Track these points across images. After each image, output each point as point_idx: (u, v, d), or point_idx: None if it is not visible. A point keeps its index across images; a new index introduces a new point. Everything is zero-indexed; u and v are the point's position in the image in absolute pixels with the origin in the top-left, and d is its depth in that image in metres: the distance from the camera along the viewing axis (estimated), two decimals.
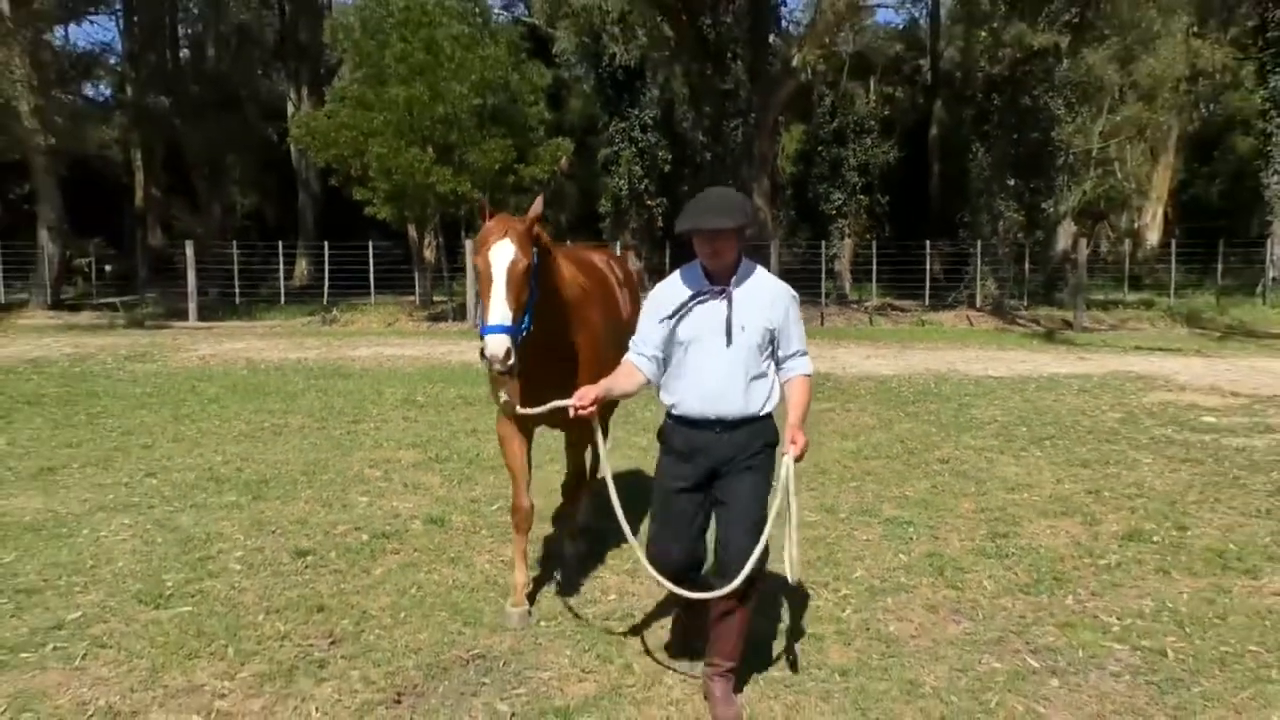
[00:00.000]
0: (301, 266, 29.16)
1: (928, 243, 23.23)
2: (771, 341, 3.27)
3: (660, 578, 3.30)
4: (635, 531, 3.47)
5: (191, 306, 21.40)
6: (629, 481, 5.70)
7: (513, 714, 3.30)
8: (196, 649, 3.76)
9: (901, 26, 35.95)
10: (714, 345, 3.21)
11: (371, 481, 6.47)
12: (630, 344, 3.43)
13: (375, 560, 4.84)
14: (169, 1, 32.91)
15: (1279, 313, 21.24)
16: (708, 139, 24.96)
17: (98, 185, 32.40)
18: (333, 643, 3.84)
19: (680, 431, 3.31)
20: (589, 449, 4.70)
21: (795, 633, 3.94)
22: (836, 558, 4.88)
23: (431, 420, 8.76)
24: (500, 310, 3.34)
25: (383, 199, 20.18)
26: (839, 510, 5.74)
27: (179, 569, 4.67)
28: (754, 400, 3.24)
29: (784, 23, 28.74)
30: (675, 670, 3.58)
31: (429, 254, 23.83)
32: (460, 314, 20.70)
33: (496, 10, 28.14)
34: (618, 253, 6.52)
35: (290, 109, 30.46)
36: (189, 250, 21.72)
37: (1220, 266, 25.19)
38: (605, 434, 4.05)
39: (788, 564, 3.20)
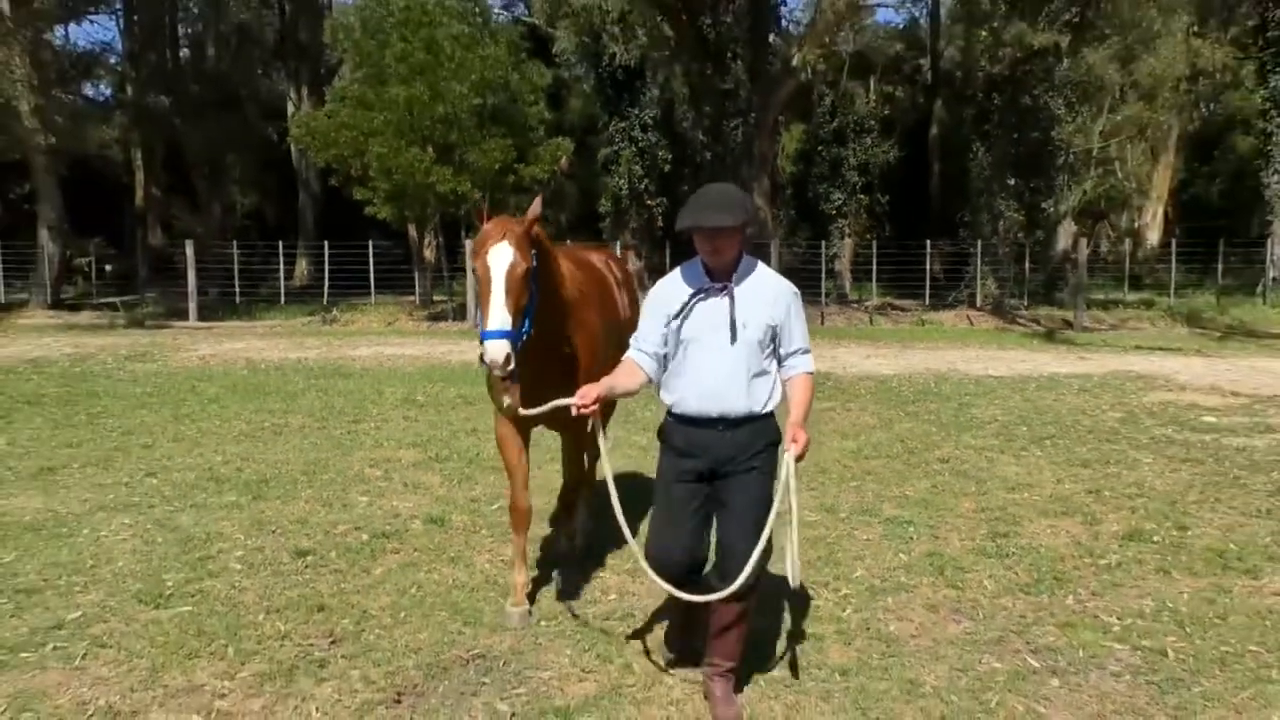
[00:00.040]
0: (301, 266, 29.18)
1: (928, 242, 23.24)
2: (773, 339, 3.24)
3: (659, 579, 3.26)
4: (635, 532, 3.45)
5: (191, 306, 21.41)
6: (629, 481, 5.69)
7: (513, 714, 3.30)
8: (196, 649, 3.76)
9: (901, 26, 36.03)
10: (716, 343, 3.18)
11: (372, 481, 6.47)
12: (630, 341, 3.40)
13: (375, 560, 4.84)
14: (169, 1, 32.92)
15: (1279, 312, 21.24)
16: (708, 139, 24.94)
17: (98, 185, 32.40)
18: (333, 642, 3.84)
19: (681, 430, 3.28)
20: (586, 453, 4.70)
21: (795, 632, 3.93)
22: (837, 557, 4.87)
23: (431, 420, 8.77)
24: (499, 315, 3.30)
25: (383, 199, 20.20)
26: (839, 510, 5.74)
27: (179, 569, 4.67)
28: (756, 398, 3.21)
29: (784, 22, 28.76)
30: (675, 671, 3.58)
31: (429, 254, 23.84)
32: (460, 313, 20.71)
33: (496, 10, 28.20)
34: (618, 253, 6.52)
35: (290, 109, 30.47)
36: (189, 250, 21.72)
37: (1220, 266, 25.22)
38: (604, 434, 4.04)
39: (789, 569, 3.18)
